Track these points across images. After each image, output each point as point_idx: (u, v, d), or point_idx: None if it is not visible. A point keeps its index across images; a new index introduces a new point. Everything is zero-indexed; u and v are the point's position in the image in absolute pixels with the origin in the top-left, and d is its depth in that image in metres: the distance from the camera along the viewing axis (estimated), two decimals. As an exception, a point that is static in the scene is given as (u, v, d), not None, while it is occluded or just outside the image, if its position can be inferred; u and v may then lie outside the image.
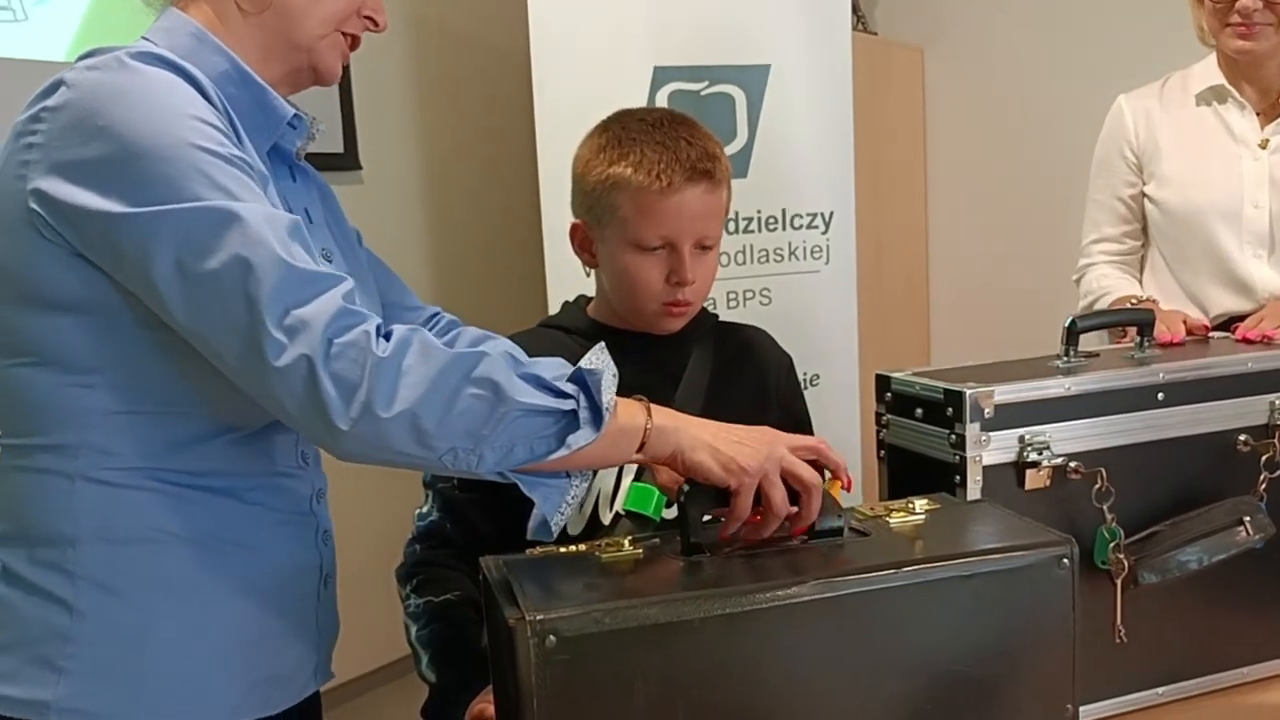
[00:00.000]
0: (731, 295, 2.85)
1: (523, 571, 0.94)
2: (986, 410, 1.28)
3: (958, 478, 1.29)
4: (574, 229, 1.34)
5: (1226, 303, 1.85)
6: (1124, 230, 1.99)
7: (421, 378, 0.87)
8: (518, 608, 0.86)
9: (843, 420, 2.90)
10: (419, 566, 1.26)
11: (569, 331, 1.36)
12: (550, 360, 0.95)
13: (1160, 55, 2.11)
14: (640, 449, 0.96)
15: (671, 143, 1.24)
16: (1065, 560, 0.95)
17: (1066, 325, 1.43)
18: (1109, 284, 1.93)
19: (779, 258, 2.90)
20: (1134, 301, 1.81)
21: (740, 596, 0.88)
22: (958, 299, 3.68)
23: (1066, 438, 1.33)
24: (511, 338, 1.24)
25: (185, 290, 0.88)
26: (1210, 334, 1.61)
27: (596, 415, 0.92)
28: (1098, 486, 1.30)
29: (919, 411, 1.35)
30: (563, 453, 0.92)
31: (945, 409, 1.30)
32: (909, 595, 0.91)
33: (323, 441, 0.89)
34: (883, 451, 1.41)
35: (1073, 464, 1.31)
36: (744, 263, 2.86)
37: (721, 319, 1.47)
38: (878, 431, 1.42)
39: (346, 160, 3.02)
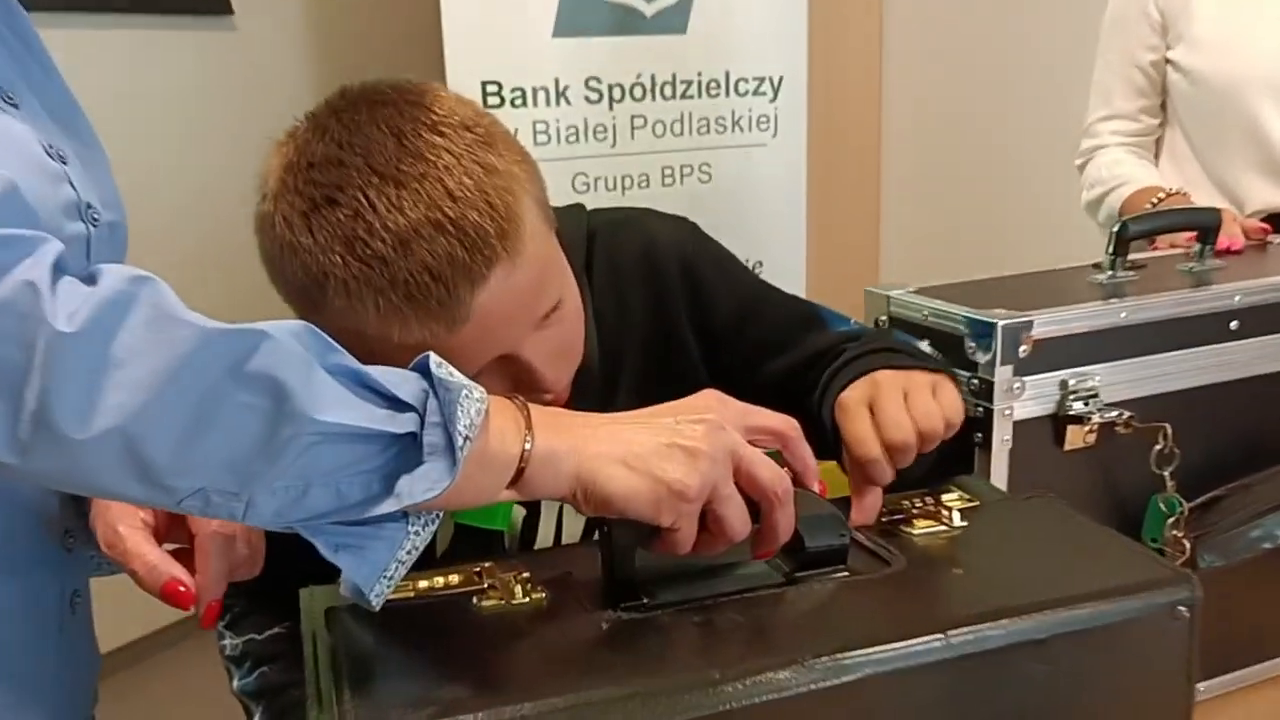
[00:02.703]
0: (667, 170, 2.50)
1: (352, 632, 0.60)
2: (1023, 348, 0.95)
3: (979, 436, 0.97)
4: None
5: (1268, 195, 1.53)
6: (1141, 105, 1.64)
7: (148, 372, 0.50)
8: (331, 713, 0.52)
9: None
10: (232, 597, 0.90)
11: None
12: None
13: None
14: (514, 483, 0.60)
15: (414, 255, 0.70)
16: (1183, 608, 0.63)
17: (1116, 230, 1.09)
18: (1124, 171, 1.60)
19: (721, 128, 2.56)
20: (1160, 196, 1.48)
21: (690, 694, 0.54)
22: (914, 175, 3.34)
23: (1118, 382, 1.01)
24: None
25: None
26: (1270, 238, 1.29)
27: (450, 441, 0.56)
28: (1160, 447, 0.98)
29: (926, 345, 1.01)
30: (387, 505, 0.56)
31: (965, 344, 0.96)
32: (950, 674, 0.58)
33: None
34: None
35: (1123, 415, 0.99)
36: (681, 133, 2.51)
37: (592, 233, 0.94)
38: (867, 368, 1.08)
39: (215, 2, 2.55)
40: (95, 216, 0.67)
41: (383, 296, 0.70)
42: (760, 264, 2.63)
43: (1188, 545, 1.01)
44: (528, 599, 0.63)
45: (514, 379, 0.78)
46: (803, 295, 2.75)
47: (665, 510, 0.60)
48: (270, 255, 0.75)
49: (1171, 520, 1.01)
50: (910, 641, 0.58)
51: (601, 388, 0.90)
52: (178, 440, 0.52)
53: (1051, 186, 2.62)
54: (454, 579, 0.66)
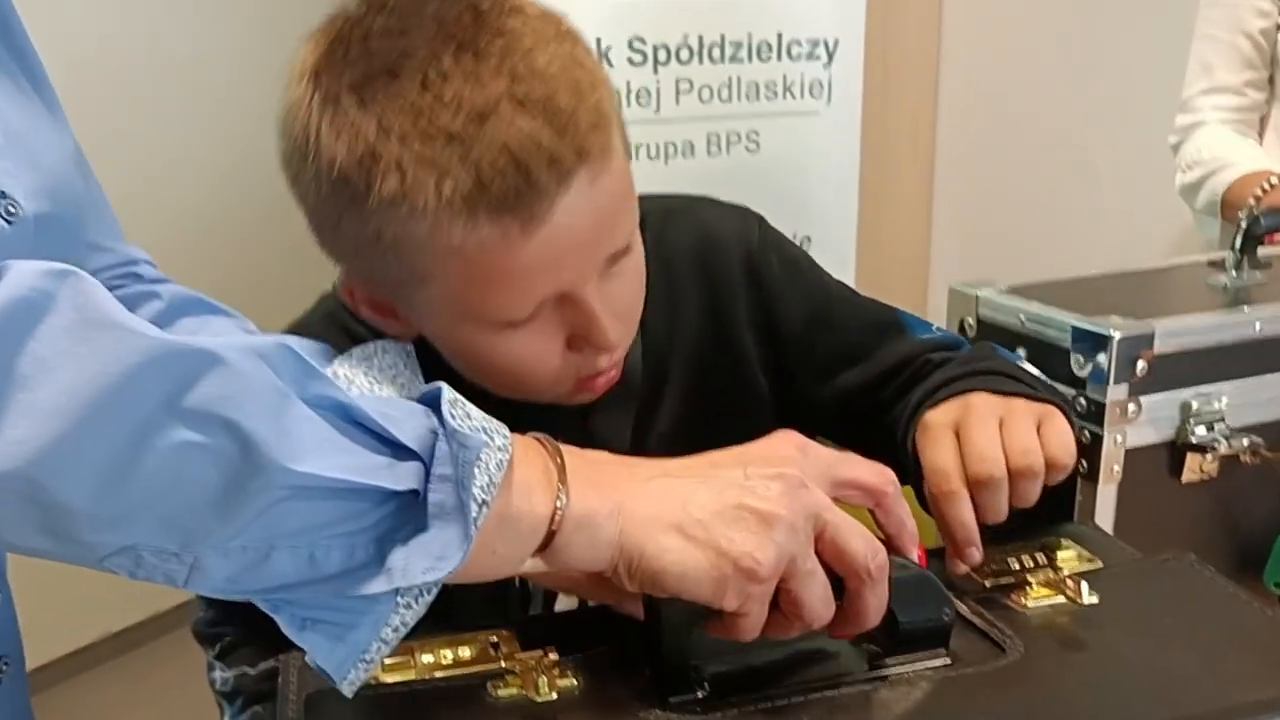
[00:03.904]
0: (714, 138, 2.36)
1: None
2: (1140, 364, 0.81)
3: (1083, 465, 0.83)
4: (348, 290, 0.68)
5: (1388, 182, 1.37)
6: (1247, 78, 1.48)
7: (64, 395, 0.38)
8: None
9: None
10: (224, 624, 0.78)
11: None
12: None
13: None
14: (541, 550, 0.47)
15: (493, 133, 0.56)
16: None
17: (1245, 224, 0.95)
18: (1226, 152, 1.44)
19: (771, 94, 2.41)
20: (1273, 181, 1.31)
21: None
22: (972, 150, 3.17)
23: (1245, 403, 0.87)
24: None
25: None
26: (1405, 234, 1.13)
27: (462, 503, 0.43)
28: (1296, 484, 0.84)
29: (1021, 354, 0.88)
30: (376, 583, 0.43)
31: (1072, 358, 0.83)
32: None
33: None
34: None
35: (1252, 442, 0.86)
36: (729, 99, 2.36)
37: (640, 221, 0.72)
38: (950, 379, 0.94)
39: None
40: (10, 210, 0.54)
41: (449, 179, 0.56)
42: (808, 239, 2.48)
43: (1320, 595, 0.88)
44: (553, 689, 0.50)
45: (571, 330, 0.64)
46: (852, 273, 2.60)
47: (731, 591, 0.47)
48: (298, 143, 0.60)
49: (1302, 566, 0.87)
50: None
51: (643, 402, 0.77)
52: (99, 485, 0.39)
53: (1125, 169, 2.45)
54: (465, 652, 0.54)
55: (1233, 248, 0.95)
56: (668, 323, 0.77)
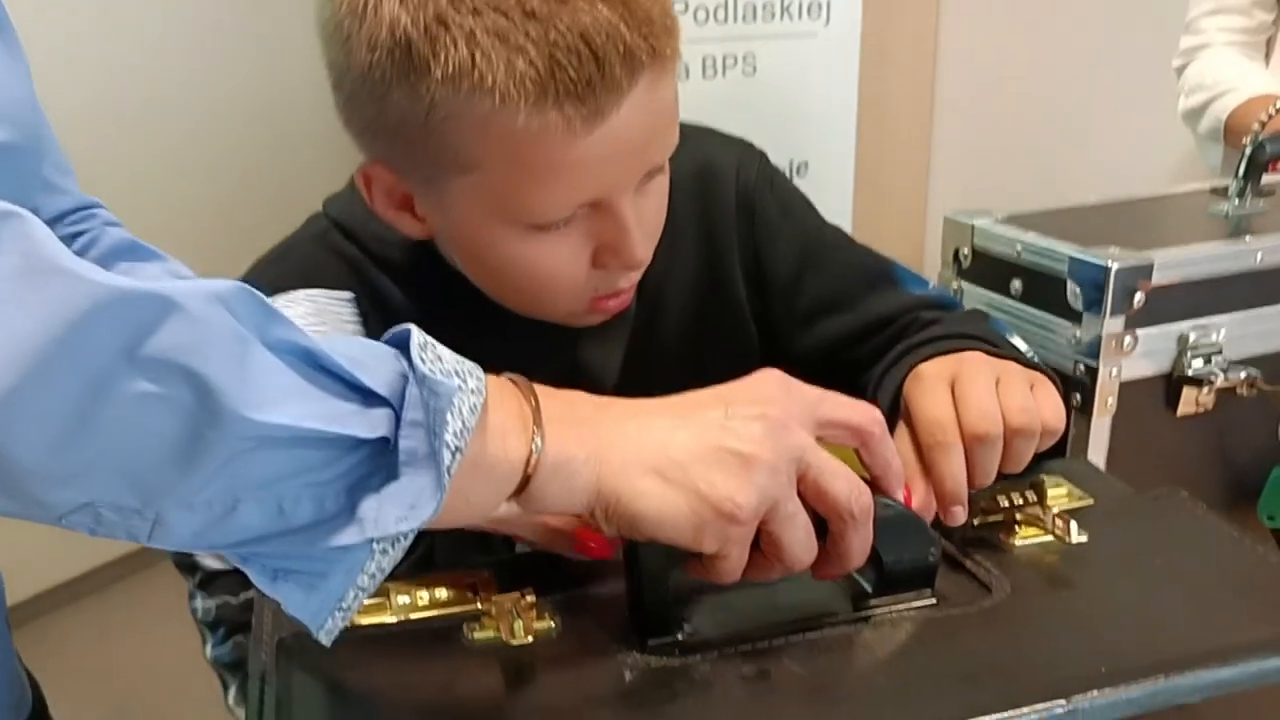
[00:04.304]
0: (709, 61, 2.30)
1: (301, 674, 0.47)
2: (1138, 295, 0.79)
3: (1076, 399, 0.82)
4: (366, 177, 0.65)
5: (1398, 107, 1.33)
6: (1254, -2, 1.44)
7: (12, 346, 0.36)
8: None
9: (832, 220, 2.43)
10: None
11: (379, 262, 0.71)
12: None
13: None
14: (516, 495, 0.46)
15: (571, 17, 0.55)
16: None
17: (1249, 150, 0.92)
18: (1231, 76, 1.40)
19: (769, 15, 2.36)
20: (1279, 106, 1.29)
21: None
22: (970, 72, 3.11)
23: (1243, 335, 0.85)
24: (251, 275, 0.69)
25: None
26: None
27: (434, 450, 0.42)
28: (1293, 417, 0.83)
29: (1016, 286, 0.86)
30: (348, 534, 0.42)
31: (1069, 288, 0.81)
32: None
33: None
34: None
35: (1249, 375, 0.84)
36: (724, 19, 2.31)
37: None
38: (944, 311, 0.92)
39: None
40: None
41: (522, 58, 0.54)
42: (806, 165, 2.45)
43: (1314, 528, 0.87)
44: (529, 633, 0.49)
45: (599, 241, 0.63)
46: (850, 200, 2.55)
47: (709, 535, 0.46)
48: (352, 5, 0.57)
49: (1297, 499, 0.87)
50: (1023, 711, 0.45)
51: (636, 331, 0.75)
52: (53, 441, 0.38)
53: (1127, 94, 2.40)
54: (441, 594, 0.53)
55: (1236, 175, 0.92)
56: (666, 253, 0.75)
